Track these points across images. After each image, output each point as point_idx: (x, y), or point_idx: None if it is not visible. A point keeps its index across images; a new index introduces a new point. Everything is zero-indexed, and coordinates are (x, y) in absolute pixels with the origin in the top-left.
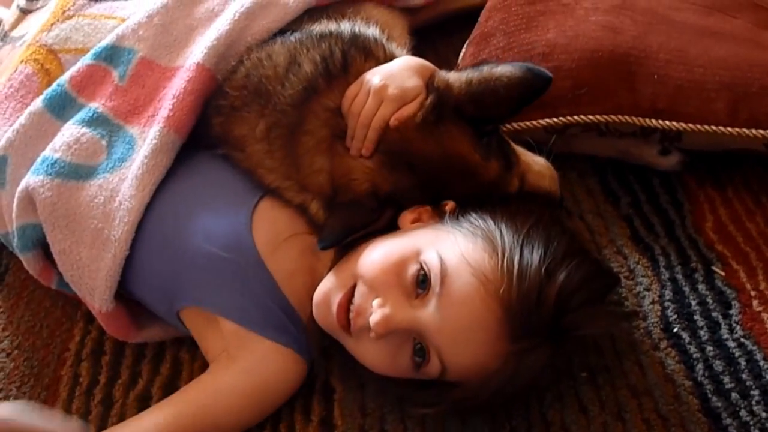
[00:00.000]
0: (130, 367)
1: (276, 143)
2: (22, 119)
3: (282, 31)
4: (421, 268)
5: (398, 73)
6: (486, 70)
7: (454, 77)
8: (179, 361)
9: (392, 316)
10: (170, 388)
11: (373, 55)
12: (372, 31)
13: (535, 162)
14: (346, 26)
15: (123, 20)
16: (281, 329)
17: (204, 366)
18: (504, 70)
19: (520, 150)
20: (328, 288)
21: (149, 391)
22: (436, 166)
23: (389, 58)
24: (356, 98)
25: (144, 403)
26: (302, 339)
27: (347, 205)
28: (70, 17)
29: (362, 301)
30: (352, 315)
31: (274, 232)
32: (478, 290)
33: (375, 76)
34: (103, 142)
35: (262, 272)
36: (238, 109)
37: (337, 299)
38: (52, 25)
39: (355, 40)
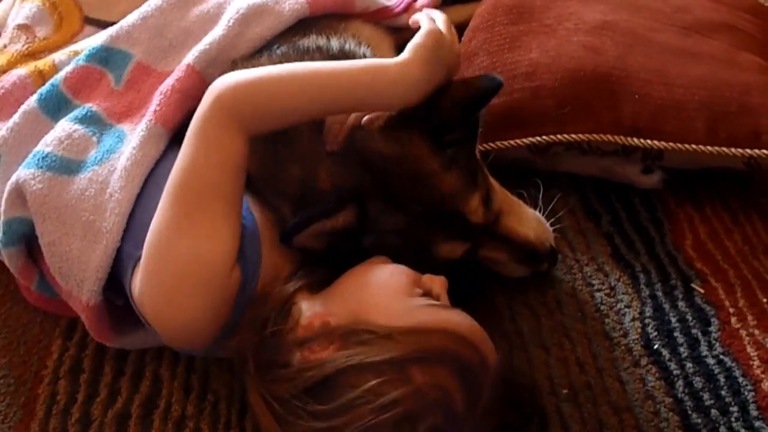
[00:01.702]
0: (109, 384)
1: (255, 155)
2: (16, 117)
3: (269, 44)
4: None
5: None
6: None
7: None
8: (159, 378)
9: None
10: (149, 405)
11: None
12: (363, 50)
13: (524, 210)
14: (334, 43)
15: None
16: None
17: (185, 384)
18: (464, 78)
19: (513, 199)
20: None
21: (128, 409)
22: (392, 166)
23: None
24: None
25: (123, 422)
26: (249, 286)
27: (311, 203)
28: (76, 42)
29: None
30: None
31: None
32: None
33: None
34: (94, 139)
35: (250, 220)
36: None
37: None
38: (58, 48)
39: (342, 57)
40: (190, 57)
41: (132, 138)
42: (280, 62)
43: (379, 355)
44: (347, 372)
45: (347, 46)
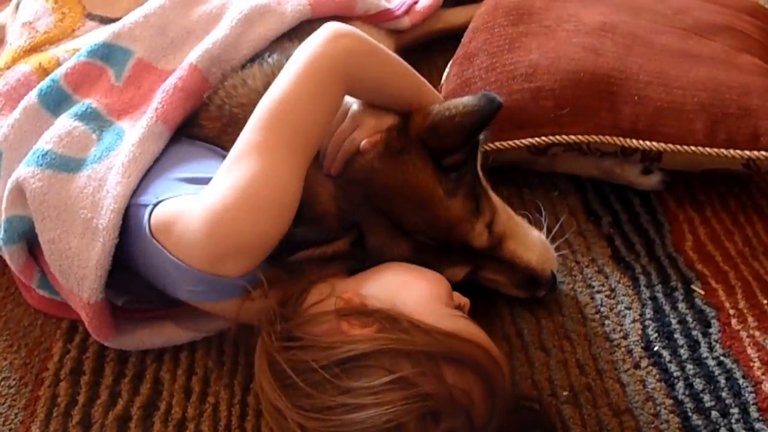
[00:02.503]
0: (109, 386)
1: None
2: (16, 113)
3: (258, 54)
4: None
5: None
6: (452, 100)
7: (428, 108)
8: (160, 380)
9: None
10: (150, 408)
11: None
12: None
13: (528, 234)
14: None
15: None
16: None
17: (185, 387)
18: (463, 99)
19: (518, 220)
20: None
21: (128, 411)
22: (395, 194)
23: None
24: (334, 118)
25: (123, 424)
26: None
27: (308, 221)
28: (78, 37)
29: None
30: None
31: None
32: None
33: (356, 102)
34: (94, 136)
35: None
36: (212, 139)
37: None
38: (60, 40)
39: None
40: (192, 56)
41: (131, 134)
42: (272, 72)
43: (419, 346)
44: (385, 354)
45: None
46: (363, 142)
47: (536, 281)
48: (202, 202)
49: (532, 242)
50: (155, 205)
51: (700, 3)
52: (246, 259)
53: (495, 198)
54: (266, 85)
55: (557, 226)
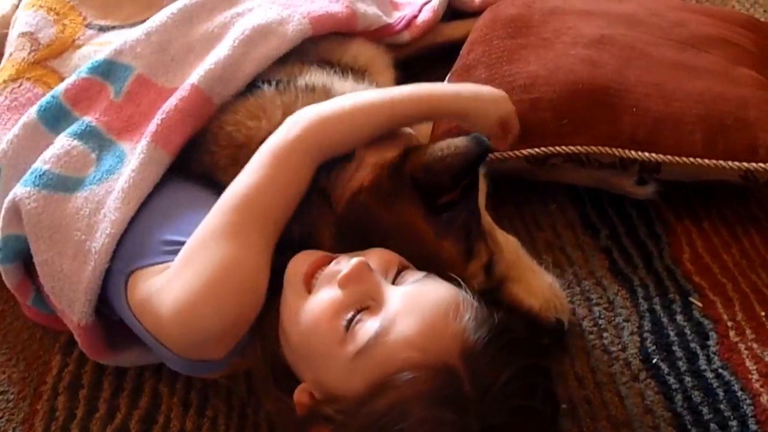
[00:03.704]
0: (107, 400)
1: None
2: (15, 129)
3: (259, 78)
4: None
5: (383, 142)
6: (444, 140)
7: (419, 148)
8: (158, 394)
9: (368, 264)
10: (148, 421)
11: None
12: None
13: (536, 277)
14: (336, 84)
15: None
16: None
17: (184, 400)
18: (455, 140)
19: (527, 260)
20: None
21: (127, 425)
22: (389, 235)
23: None
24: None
25: None
26: None
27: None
28: (79, 46)
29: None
30: (325, 268)
31: None
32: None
33: None
34: (93, 156)
35: None
36: (223, 167)
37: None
38: (61, 52)
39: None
40: (194, 77)
41: (132, 159)
42: (282, 103)
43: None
44: None
45: (346, 86)
46: (364, 182)
47: (538, 328)
48: (171, 291)
49: (538, 287)
50: (129, 275)
51: (696, 16)
52: (225, 343)
53: (503, 239)
54: (285, 114)
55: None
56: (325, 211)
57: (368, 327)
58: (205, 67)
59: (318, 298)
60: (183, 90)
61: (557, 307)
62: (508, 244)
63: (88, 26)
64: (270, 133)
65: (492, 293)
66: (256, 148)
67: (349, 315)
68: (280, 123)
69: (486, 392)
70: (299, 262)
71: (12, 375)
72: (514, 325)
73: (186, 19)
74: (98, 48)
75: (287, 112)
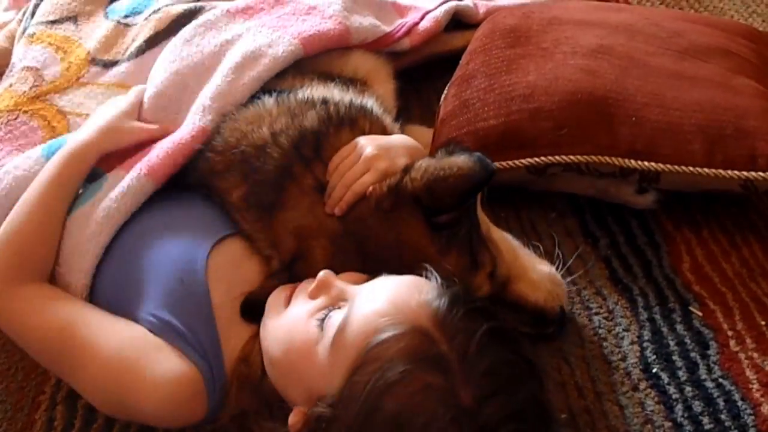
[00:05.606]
0: None
1: (252, 209)
2: (18, 161)
3: (266, 89)
4: None
5: (392, 149)
6: (445, 159)
7: (419, 164)
8: None
9: (333, 273)
10: (147, 431)
11: (359, 126)
12: (366, 101)
13: (536, 270)
14: (336, 96)
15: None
16: (199, 354)
17: None
18: (458, 160)
19: (523, 253)
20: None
21: None
22: (388, 252)
23: (375, 131)
24: (346, 159)
25: None
26: (216, 380)
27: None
28: (84, 84)
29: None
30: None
31: (232, 277)
32: None
33: (369, 145)
34: (80, 190)
35: (205, 305)
36: (219, 173)
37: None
38: (65, 89)
39: (341, 112)
40: (197, 116)
41: (114, 185)
42: (281, 112)
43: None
44: None
45: (347, 99)
46: (370, 188)
47: (544, 320)
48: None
49: (539, 280)
50: None
51: (695, 26)
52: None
53: (499, 237)
54: (270, 133)
55: (559, 257)
56: (320, 216)
57: (337, 317)
58: (200, 102)
59: (293, 307)
60: (190, 129)
61: (559, 295)
62: (505, 242)
63: (92, 62)
64: (270, 136)
65: (500, 294)
66: (255, 152)
67: (321, 315)
68: (282, 126)
69: (465, 353)
70: (280, 291)
71: (10, 385)
72: (473, 295)
73: (184, 68)
74: (104, 90)
75: (291, 117)
